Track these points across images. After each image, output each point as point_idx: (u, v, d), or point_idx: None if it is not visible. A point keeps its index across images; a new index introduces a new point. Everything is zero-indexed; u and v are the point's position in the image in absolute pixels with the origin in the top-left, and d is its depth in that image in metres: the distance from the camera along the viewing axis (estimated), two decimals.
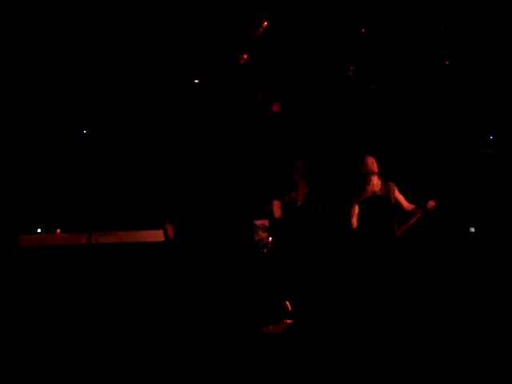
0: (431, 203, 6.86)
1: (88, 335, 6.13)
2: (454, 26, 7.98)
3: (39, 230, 7.88)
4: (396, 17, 7.99)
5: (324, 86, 8.40)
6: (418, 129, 8.29)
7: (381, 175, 6.93)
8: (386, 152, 7.27)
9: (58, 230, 7.81)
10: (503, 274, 7.23)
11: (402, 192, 7.00)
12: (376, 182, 6.92)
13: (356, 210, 6.97)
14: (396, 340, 5.88)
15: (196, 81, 8.45)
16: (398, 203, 6.93)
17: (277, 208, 7.51)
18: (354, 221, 7.01)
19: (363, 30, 8.00)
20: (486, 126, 8.24)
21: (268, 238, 7.56)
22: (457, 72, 8.20)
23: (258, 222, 7.68)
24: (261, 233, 7.64)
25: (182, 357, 5.63)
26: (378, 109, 8.36)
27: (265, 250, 7.50)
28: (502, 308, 6.59)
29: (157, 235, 7.41)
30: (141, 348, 5.82)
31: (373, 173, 6.89)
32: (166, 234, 7.44)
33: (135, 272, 7.11)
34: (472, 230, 7.87)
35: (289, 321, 6.54)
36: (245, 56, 8.09)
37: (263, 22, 7.99)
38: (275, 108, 8.17)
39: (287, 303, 6.92)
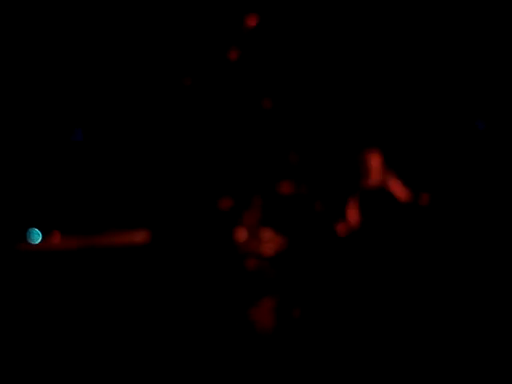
0: None
1: (86, 336, 6.18)
2: (450, 20, 8.04)
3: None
4: (392, 9, 8.04)
5: (319, 80, 8.45)
6: (414, 121, 8.34)
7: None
8: (382, 145, 7.33)
9: (57, 233, 7.83)
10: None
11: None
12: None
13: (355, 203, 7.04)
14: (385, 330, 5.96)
15: (188, 77, 8.48)
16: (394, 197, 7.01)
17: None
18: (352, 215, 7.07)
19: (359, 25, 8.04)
20: (483, 117, 8.29)
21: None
22: (453, 64, 8.25)
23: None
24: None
25: (181, 355, 5.69)
26: (373, 103, 8.41)
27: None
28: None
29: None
30: (140, 346, 5.88)
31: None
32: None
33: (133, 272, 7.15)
34: None
35: None
36: (237, 51, 8.13)
37: (256, 17, 8.04)
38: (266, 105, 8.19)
39: None
